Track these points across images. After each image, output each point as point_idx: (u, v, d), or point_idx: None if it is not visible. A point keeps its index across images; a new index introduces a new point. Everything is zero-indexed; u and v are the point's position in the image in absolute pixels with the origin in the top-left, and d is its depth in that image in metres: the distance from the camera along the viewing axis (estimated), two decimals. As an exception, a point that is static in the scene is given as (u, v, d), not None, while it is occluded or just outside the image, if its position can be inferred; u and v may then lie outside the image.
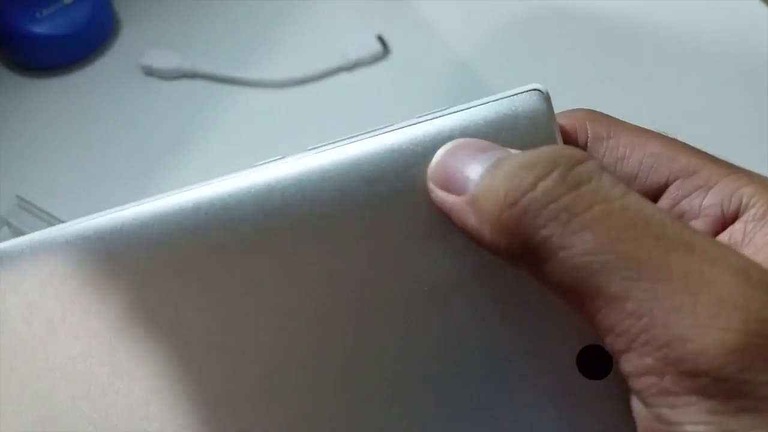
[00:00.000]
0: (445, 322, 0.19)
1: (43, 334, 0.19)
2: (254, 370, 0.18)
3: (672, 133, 0.21)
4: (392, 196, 0.19)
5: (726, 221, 0.19)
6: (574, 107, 0.22)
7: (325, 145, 0.20)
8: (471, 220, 0.17)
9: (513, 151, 0.18)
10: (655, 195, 0.20)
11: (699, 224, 0.19)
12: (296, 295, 0.19)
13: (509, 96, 0.19)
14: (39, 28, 0.50)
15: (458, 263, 0.19)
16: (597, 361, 0.18)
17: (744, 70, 0.51)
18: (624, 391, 0.16)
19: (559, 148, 0.17)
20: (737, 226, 0.19)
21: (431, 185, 0.19)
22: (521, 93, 0.19)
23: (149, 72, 0.52)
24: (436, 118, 0.19)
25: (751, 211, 0.19)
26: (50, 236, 0.19)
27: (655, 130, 0.21)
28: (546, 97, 0.19)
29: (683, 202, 0.20)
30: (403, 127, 0.19)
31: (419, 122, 0.19)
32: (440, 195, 0.19)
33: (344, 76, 0.52)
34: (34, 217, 0.45)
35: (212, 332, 0.18)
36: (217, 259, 0.19)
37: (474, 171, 0.18)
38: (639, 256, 0.15)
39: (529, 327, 0.19)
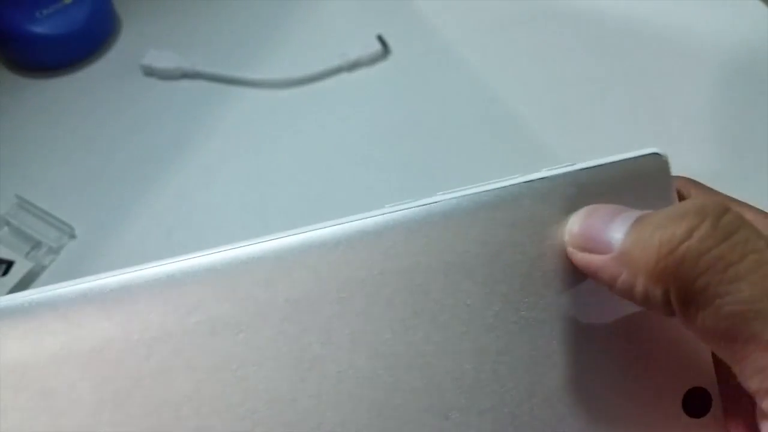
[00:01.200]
0: (566, 363, 0.20)
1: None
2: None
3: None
4: (511, 255, 0.20)
5: None
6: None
7: (449, 193, 0.21)
8: (623, 274, 0.18)
9: (646, 212, 0.19)
10: None
11: None
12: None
13: (630, 158, 0.21)
14: (39, 28, 0.50)
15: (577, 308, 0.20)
16: (699, 401, 0.20)
17: (744, 70, 0.51)
18: (721, 428, 0.19)
19: (701, 200, 0.18)
20: None
21: (571, 249, 0.20)
22: (642, 156, 0.21)
23: (149, 72, 0.52)
24: (559, 174, 0.20)
25: None
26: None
27: (747, 203, 0.22)
28: (665, 161, 0.20)
29: None
30: (526, 181, 0.20)
31: (543, 177, 0.20)
32: (584, 257, 0.20)
33: (344, 77, 0.52)
34: (33, 217, 0.45)
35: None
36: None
37: (617, 230, 0.19)
38: None
39: (641, 367, 0.20)
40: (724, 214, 0.17)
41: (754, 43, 0.52)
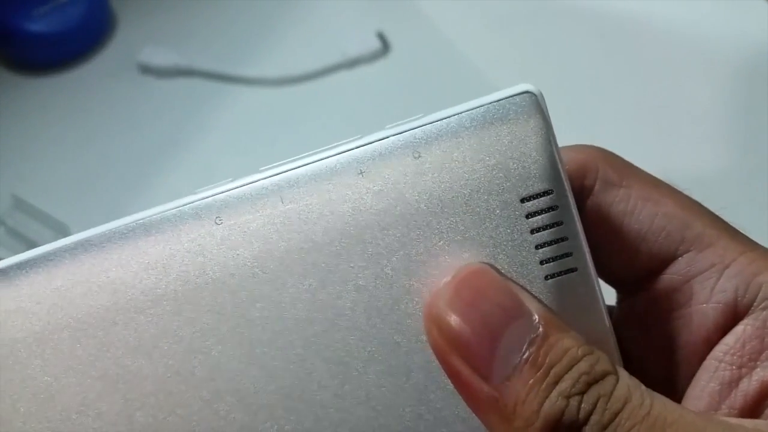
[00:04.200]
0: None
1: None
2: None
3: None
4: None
5: (738, 312, 0.18)
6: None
7: (277, 166, 0.18)
8: (491, 418, 0.16)
9: (535, 307, 0.16)
10: (663, 262, 0.19)
11: (709, 311, 0.18)
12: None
13: (498, 100, 0.18)
14: (35, 26, 0.50)
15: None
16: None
17: (750, 69, 0.51)
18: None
19: (587, 362, 0.16)
20: (752, 332, 0.17)
21: (440, 342, 0.17)
22: (512, 96, 0.18)
23: (146, 70, 0.51)
24: (409, 130, 0.18)
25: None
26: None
27: (672, 184, 0.20)
28: (538, 100, 0.18)
29: (695, 281, 0.18)
30: (375, 141, 0.18)
31: (390, 135, 0.18)
32: (453, 363, 0.16)
33: (344, 74, 0.51)
34: (29, 216, 0.45)
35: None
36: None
37: (503, 358, 0.16)
38: None
39: None
40: (613, 389, 0.15)
41: (759, 43, 0.52)
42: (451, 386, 0.17)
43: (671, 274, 0.19)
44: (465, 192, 0.17)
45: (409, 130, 0.18)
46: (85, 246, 0.18)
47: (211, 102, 0.50)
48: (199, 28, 0.54)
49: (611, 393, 0.15)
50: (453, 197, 0.17)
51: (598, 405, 0.15)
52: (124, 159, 0.48)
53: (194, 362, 0.18)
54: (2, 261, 0.18)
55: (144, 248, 0.18)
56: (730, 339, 0.18)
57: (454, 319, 0.16)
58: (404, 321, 0.18)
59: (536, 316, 0.16)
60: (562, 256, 0.17)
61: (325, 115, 0.49)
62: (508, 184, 0.17)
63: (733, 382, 0.17)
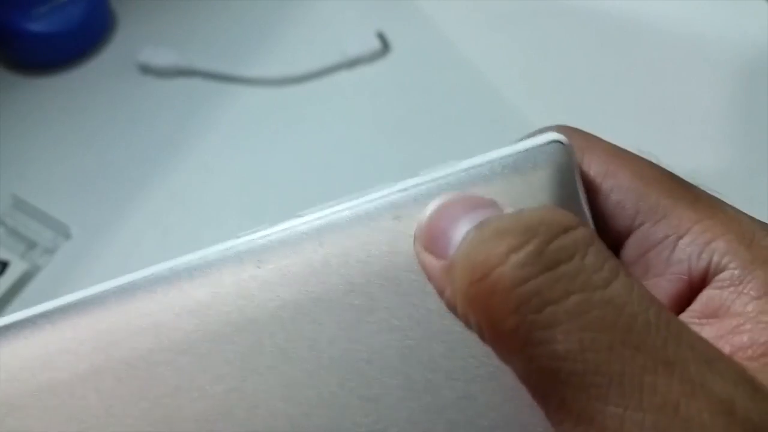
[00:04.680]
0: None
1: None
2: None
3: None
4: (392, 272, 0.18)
5: (693, 282, 0.17)
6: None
7: (315, 210, 0.19)
8: (446, 290, 0.16)
9: (507, 209, 0.16)
10: (620, 237, 0.18)
11: (664, 283, 0.17)
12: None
13: (529, 149, 0.18)
14: (35, 26, 0.50)
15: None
16: None
17: (750, 69, 0.50)
18: None
19: (543, 211, 0.15)
20: (712, 293, 0.17)
21: (417, 247, 0.17)
22: (542, 145, 0.18)
23: (146, 70, 0.51)
24: (443, 177, 0.18)
25: (726, 274, 0.16)
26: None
27: (637, 152, 0.19)
28: (567, 149, 0.18)
29: (650, 254, 0.17)
30: (411, 187, 0.18)
31: (425, 182, 0.18)
32: (423, 259, 0.17)
33: (344, 74, 0.51)
34: (29, 216, 0.45)
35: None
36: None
37: (459, 232, 0.15)
38: (611, 371, 0.13)
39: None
40: (562, 232, 0.14)
41: (759, 43, 0.52)
42: (483, 421, 0.18)
43: (628, 249, 0.18)
44: None
45: (443, 177, 0.18)
46: (128, 289, 0.18)
47: (211, 102, 0.50)
48: (199, 28, 0.54)
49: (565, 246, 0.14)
50: None
51: (541, 254, 0.14)
52: (124, 159, 0.48)
53: (234, 402, 0.18)
54: (46, 303, 0.18)
55: (187, 291, 0.18)
56: (696, 306, 0.17)
57: (420, 226, 0.17)
58: (436, 359, 0.18)
59: (501, 209, 0.16)
60: None
61: (325, 115, 0.49)
62: None
63: None
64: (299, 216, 0.19)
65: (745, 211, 0.17)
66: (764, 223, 0.17)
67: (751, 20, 0.53)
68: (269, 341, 0.18)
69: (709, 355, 0.14)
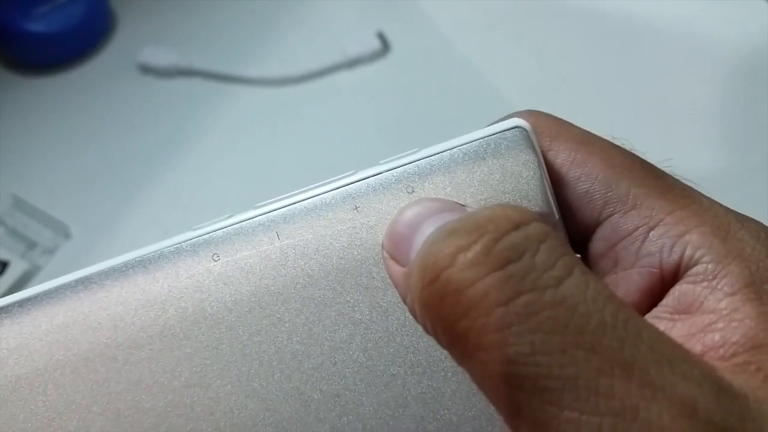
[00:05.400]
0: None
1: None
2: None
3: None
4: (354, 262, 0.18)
5: (665, 276, 0.16)
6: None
7: (273, 202, 0.19)
8: (407, 297, 0.15)
9: (470, 209, 0.16)
10: (589, 228, 0.17)
11: (635, 276, 0.17)
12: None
13: (490, 135, 0.18)
14: (35, 26, 0.50)
15: None
16: None
17: (749, 69, 0.50)
18: None
19: (495, 208, 0.14)
20: (685, 287, 0.16)
21: (383, 254, 0.17)
22: (503, 131, 0.18)
23: (146, 70, 0.51)
24: (403, 166, 0.18)
25: (699, 268, 0.16)
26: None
27: (611, 139, 0.18)
28: (529, 136, 0.17)
29: (619, 246, 0.17)
30: (370, 176, 0.18)
31: (384, 171, 0.18)
32: (387, 266, 0.16)
33: (344, 74, 0.51)
34: (29, 216, 0.45)
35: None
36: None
37: (421, 238, 0.15)
38: (565, 374, 0.12)
39: None
40: (513, 229, 0.14)
41: (759, 43, 0.52)
42: (448, 415, 0.17)
43: (597, 240, 0.17)
44: None
45: (402, 166, 0.18)
46: (85, 283, 0.18)
47: (211, 102, 0.50)
48: (199, 28, 0.54)
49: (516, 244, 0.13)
50: None
51: (492, 252, 0.13)
52: (124, 159, 0.47)
53: (193, 396, 0.18)
54: (4, 299, 0.18)
55: (143, 285, 0.18)
56: (668, 300, 0.16)
57: (385, 234, 0.17)
58: (400, 352, 0.18)
59: (462, 214, 0.15)
60: None
61: (325, 115, 0.49)
62: None
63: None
64: (256, 207, 0.18)
65: (744, 211, 0.17)
66: (740, 214, 0.17)
67: (751, 20, 0.53)
68: (228, 335, 0.18)
69: (671, 355, 0.13)
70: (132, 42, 0.53)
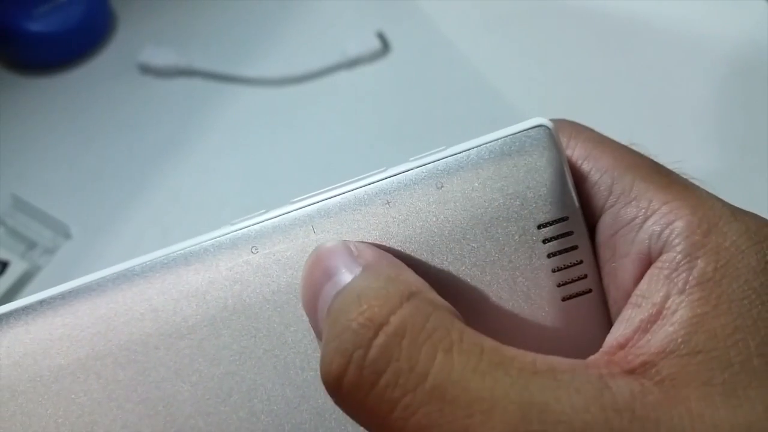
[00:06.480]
0: None
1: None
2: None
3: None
4: None
5: (652, 261, 0.17)
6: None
7: (308, 197, 0.19)
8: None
9: (356, 268, 0.17)
10: (593, 218, 0.18)
11: (628, 264, 0.17)
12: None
13: (515, 134, 0.18)
14: (34, 26, 0.50)
15: None
16: None
17: (747, 68, 0.50)
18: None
19: (353, 317, 0.15)
20: (652, 272, 0.16)
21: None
22: (527, 129, 0.18)
23: (146, 70, 0.51)
24: (432, 162, 0.19)
25: (669, 256, 0.16)
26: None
27: (628, 144, 0.19)
28: (552, 134, 0.18)
29: (618, 235, 0.17)
30: (400, 173, 0.19)
31: (414, 167, 0.19)
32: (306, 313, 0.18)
33: (344, 74, 0.51)
34: (29, 216, 0.45)
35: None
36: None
37: (323, 307, 0.17)
38: None
39: None
40: (373, 337, 0.15)
41: (759, 43, 0.52)
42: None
43: (600, 230, 0.18)
44: (485, 219, 0.18)
45: (431, 162, 0.19)
46: (127, 275, 0.19)
47: (211, 102, 0.50)
48: (199, 28, 0.54)
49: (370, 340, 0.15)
50: (474, 224, 0.18)
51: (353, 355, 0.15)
52: (124, 159, 0.48)
53: (232, 385, 0.18)
54: (46, 291, 0.19)
55: (184, 277, 0.19)
56: (641, 284, 0.17)
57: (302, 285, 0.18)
58: None
59: (347, 276, 0.17)
60: (577, 279, 0.18)
61: (325, 115, 0.49)
62: (525, 211, 0.18)
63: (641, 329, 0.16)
64: (292, 203, 0.19)
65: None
66: (738, 209, 0.17)
67: (751, 20, 0.53)
68: (265, 325, 0.18)
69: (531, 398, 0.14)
70: (132, 42, 0.53)
